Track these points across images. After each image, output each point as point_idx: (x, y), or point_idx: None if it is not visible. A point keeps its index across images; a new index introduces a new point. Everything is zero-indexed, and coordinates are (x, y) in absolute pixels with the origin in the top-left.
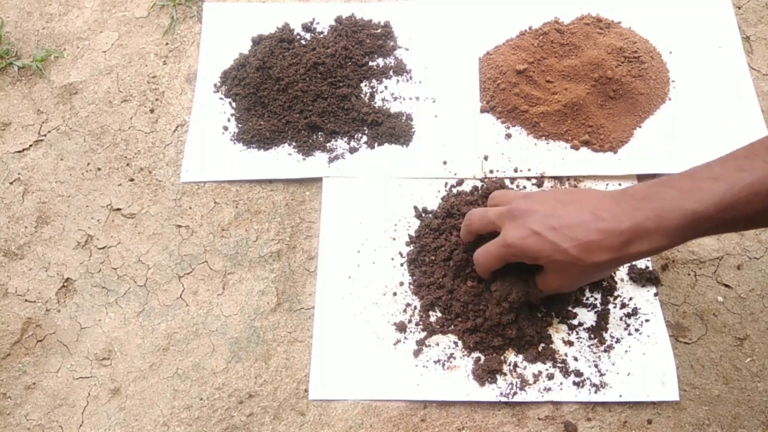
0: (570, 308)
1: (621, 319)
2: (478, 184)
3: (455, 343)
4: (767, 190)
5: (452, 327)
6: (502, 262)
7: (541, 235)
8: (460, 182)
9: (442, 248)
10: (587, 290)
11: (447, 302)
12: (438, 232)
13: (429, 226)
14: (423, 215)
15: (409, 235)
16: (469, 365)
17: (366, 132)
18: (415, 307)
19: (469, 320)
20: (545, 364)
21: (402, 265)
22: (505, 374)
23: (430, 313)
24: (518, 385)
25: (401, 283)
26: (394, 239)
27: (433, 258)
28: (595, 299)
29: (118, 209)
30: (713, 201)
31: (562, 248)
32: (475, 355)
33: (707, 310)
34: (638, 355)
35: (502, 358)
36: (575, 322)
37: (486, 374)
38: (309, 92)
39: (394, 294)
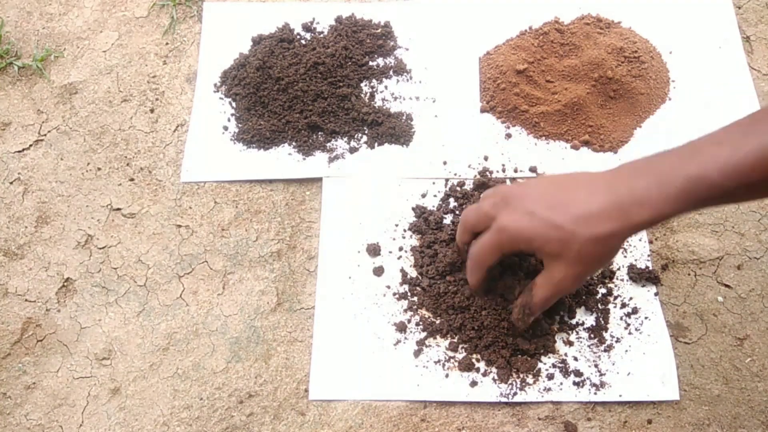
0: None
1: (621, 318)
2: (479, 184)
3: (458, 345)
4: None
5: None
6: (497, 251)
7: (534, 214)
8: (460, 182)
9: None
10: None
11: (462, 322)
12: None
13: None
14: (423, 216)
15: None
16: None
17: (366, 132)
18: (416, 309)
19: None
20: (545, 363)
21: (401, 269)
22: (506, 375)
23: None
24: (518, 385)
25: (401, 283)
26: (393, 239)
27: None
28: (595, 299)
29: (118, 209)
30: (717, 165)
31: (557, 224)
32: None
33: (707, 310)
34: (638, 355)
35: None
36: (575, 321)
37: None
38: (309, 92)
39: (395, 294)
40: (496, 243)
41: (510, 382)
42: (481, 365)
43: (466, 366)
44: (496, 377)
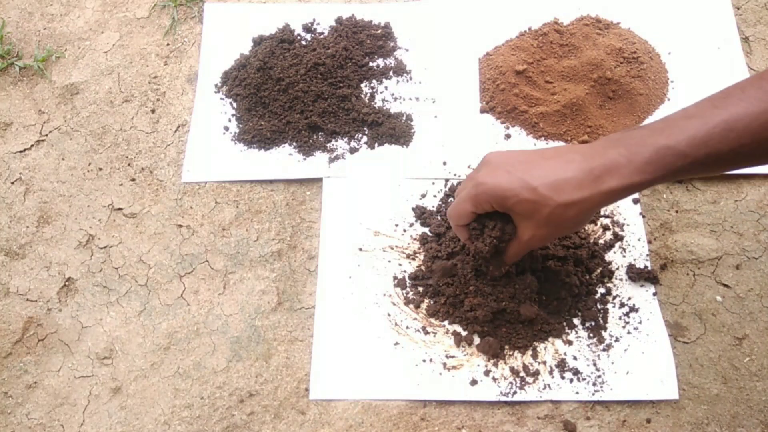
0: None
1: (620, 318)
2: None
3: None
4: (743, 126)
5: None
6: (473, 205)
7: (511, 172)
8: (460, 182)
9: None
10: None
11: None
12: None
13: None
14: (423, 217)
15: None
16: (471, 366)
17: (366, 132)
18: (417, 308)
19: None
20: (544, 363)
21: (402, 269)
22: (504, 374)
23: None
24: (518, 384)
25: (401, 283)
26: (393, 239)
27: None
28: (594, 299)
29: (120, 209)
30: (686, 136)
31: (531, 186)
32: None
33: (706, 309)
34: (637, 354)
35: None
36: (574, 321)
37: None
38: (309, 93)
39: (395, 294)
40: (472, 196)
41: (509, 381)
42: (481, 361)
43: (457, 341)
44: (496, 376)
